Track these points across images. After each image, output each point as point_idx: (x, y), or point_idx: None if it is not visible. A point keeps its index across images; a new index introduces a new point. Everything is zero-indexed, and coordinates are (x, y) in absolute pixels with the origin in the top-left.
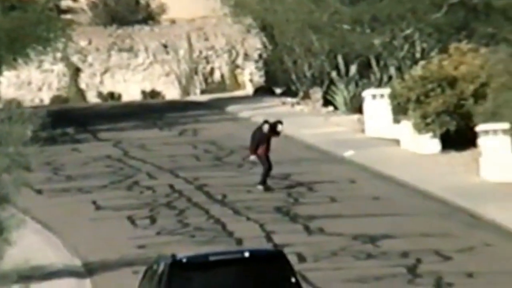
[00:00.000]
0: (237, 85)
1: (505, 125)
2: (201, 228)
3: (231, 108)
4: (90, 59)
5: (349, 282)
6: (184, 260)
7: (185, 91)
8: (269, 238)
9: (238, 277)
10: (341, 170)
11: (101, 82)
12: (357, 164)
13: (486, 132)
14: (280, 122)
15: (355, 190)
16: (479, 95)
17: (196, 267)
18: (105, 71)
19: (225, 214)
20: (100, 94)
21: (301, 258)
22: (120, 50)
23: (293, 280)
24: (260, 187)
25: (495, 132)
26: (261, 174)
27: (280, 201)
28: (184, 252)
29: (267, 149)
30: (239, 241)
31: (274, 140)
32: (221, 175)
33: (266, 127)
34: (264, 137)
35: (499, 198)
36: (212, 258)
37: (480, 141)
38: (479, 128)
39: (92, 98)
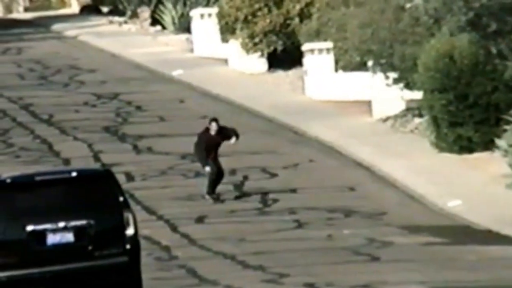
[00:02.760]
0: (63, 3)
1: (329, 44)
2: (27, 148)
3: (56, 27)
4: None
5: (178, 200)
6: (9, 181)
7: (8, 8)
8: (97, 157)
9: (65, 197)
10: (169, 90)
11: None
12: (185, 83)
13: (311, 51)
14: (235, 133)
15: (183, 110)
16: (304, 15)
17: (21, 187)
18: None
19: (51, 134)
20: None
21: (130, 177)
22: None
23: (120, 199)
24: (208, 197)
25: (320, 51)
26: (208, 180)
27: (109, 120)
28: (9, 172)
29: (215, 155)
30: (67, 161)
31: (100, 57)
32: (47, 95)
33: (214, 127)
34: (212, 141)
35: (322, 116)
36: (37, 178)
37: (305, 60)
38: (304, 47)
39: None
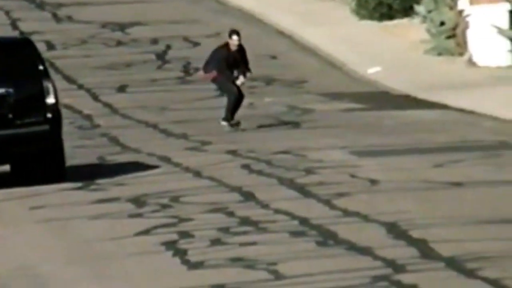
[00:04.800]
0: None
1: None
2: None
3: None
4: None
5: (100, 68)
6: None
7: None
8: (15, 26)
9: None
10: None
11: None
12: None
13: None
14: (247, 68)
15: None
16: None
17: None
18: None
19: None
20: None
21: (50, 46)
22: None
23: (40, 68)
24: (225, 123)
25: None
26: (227, 103)
27: None
28: None
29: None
30: None
31: None
32: None
33: (235, 41)
34: (233, 59)
35: None
36: None
37: None
38: None
39: None
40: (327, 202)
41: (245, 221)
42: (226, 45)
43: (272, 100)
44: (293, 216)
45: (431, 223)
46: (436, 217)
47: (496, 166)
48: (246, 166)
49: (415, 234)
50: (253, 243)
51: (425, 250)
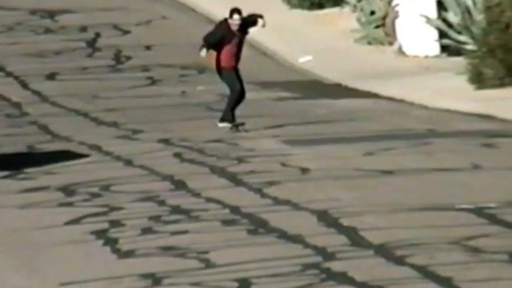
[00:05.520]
0: None
1: None
2: None
3: None
4: None
5: (28, 56)
6: None
7: None
8: None
9: None
10: None
11: None
12: None
13: None
14: (260, 15)
15: None
16: None
17: None
18: None
19: None
20: None
21: None
22: None
23: None
24: (224, 125)
25: None
26: (228, 101)
27: None
28: None
29: (236, 61)
30: None
31: None
32: None
33: (236, 21)
34: (233, 41)
35: None
36: None
37: None
38: None
39: None
40: (259, 191)
41: (176, 209)
42: (226, 24)
43: (204, 88)
44: (224, 205)
45: (362, 211)
46: (367, 205)
47: (426, 154)
48: (178, 155)
49: (345, 222)
50: (184, 232)
51: (355, 238)
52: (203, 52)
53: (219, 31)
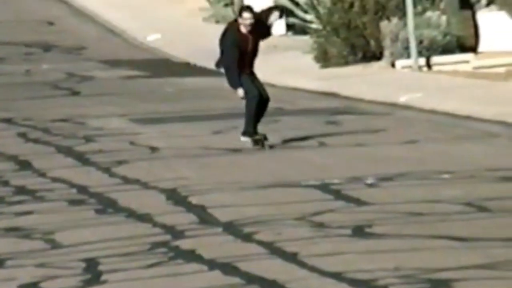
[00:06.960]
0: None
1: None
2: None
3: None
4: None
5: None
6: None
7: None
8: None
9: None
10: None
11: None
12: None
13: None
14: (276, 8)
15: None
16: None
17: None
18: None
19: None
20: None
21: None
22: None
23: None
24: (246, 139)
25: None
26: (246, 112)
27: None
28: None
29: (251, 66)
30: None
31: None
32: None
33: (248, 20)
34: (246, 44)
35: None
36: None
37: None
38: None
39: None
40: (107, 170)
41: (21, 190)
42: (237, 26)
43: (50, 67)
44: (71, 184)
45: (210, 189)
46: (215, 183)
47: (274, 131)
48: (22, 135)
49: (194, 200)
50: (29, 212)
51: (204, 216)
52: (240, 91)
53: (231, 40)
